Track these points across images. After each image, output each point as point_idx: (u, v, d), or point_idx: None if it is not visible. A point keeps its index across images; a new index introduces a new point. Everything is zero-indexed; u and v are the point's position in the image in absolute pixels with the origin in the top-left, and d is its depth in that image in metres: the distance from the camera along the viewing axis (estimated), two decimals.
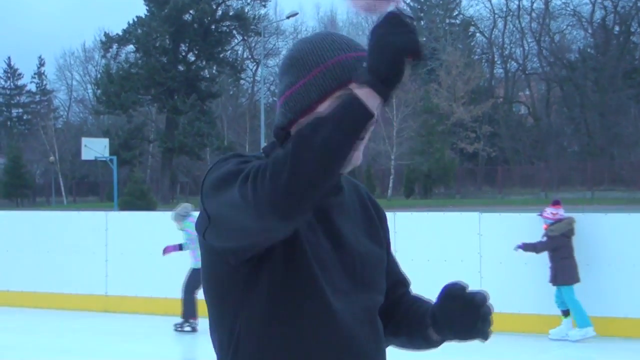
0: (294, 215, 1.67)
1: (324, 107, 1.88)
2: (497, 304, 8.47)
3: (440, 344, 2.10)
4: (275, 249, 1.84)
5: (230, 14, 63.47)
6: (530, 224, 10.00)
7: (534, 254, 9.43)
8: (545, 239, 9.40)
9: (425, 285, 9.69)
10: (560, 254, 9.27)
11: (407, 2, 70.82)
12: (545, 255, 9.45)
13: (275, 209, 1.64)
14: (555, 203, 9.87)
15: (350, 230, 1.98)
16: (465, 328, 2.02)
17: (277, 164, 1.64)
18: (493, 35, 67.99)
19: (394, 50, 1.71)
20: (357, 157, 1.92)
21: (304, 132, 1.66)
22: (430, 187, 54.80)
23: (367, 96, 1.67)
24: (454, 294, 2.07)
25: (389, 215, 10.27)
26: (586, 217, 10.04)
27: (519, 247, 9.34)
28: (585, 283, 9.27)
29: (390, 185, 53.70)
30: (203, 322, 9.10)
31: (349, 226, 1.99)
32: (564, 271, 9.28)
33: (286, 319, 1.86)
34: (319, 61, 1.91)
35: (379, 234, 2.11)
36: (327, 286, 1.87)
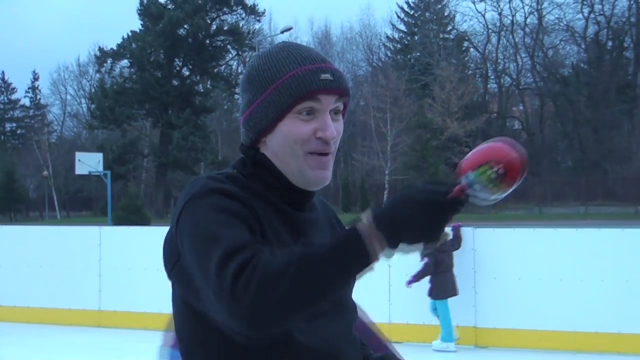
0: (264, 332, 1.58)
1: (283, 126, 1.82)
2: (492, 319, 8.54)
3: None
4: None
5: (225, 28, 63.61)
6: (524, 239, 10.00)
7: (528, 269, 9.43)
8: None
9: (420, 300, 9.71)
10: (438, 268, 9.45)
11: (402, 17, 71.13)
12: (539, 271, 9.44)
13: (249, 321, 1.56)
14: None
15: None
16: None
17: (268, 280, 1.54)
18: (487, 50, 68.22)
19: (423, 230, 1.62)
20: (326, 177, 1.88)
21: (302, 262, 1.56)
22: None
23: (375, 239, 1.60)
24: None
25: None
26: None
27: (410, 282, 9.48)
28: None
29: (385, 199, 53.66)
30: None
31: (319, 242, 1.90)
32: (439, 285, 9.44)
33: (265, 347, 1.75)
34: (273, 77, 1.83)
35: None
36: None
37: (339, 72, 1.88)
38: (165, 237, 1.85)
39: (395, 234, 1.60)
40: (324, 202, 2.10)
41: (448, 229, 1.70)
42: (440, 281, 9.47)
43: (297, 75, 1.82)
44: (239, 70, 72.28)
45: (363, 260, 1.59)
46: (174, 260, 1.80)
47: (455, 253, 9.71)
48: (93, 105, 62.68)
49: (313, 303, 1.59)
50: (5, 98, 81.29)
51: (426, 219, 1.61)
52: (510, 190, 1.72)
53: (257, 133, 1.86)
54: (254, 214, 1.75)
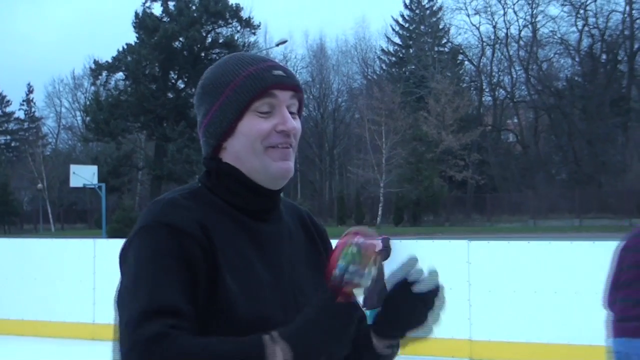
0: None
1: (243, 125, 1.85)
2: (487, 332, 8.53)
3: (388, 356, 1.96)
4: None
5: (220, 41, 63.69)
6: (518, 252, 10.01)
7: (522, 282, 9.43)
8: None
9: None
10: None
11: (397, 30, 71.32)
12: (534, 283, 9.45)
13: None
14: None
15: (286, 259, 1.91)
16: (413, 323, 1.94)
17: None
18: (481, 63, 68.43)
19: (326, 349, 1.66)
20: (289, 168, 1.90)
21: (209, 354, 1.59)
22: (420, 214, 54.84)
23: (278, 354, 1.62)
24: (404, 290, 1.97)
25: (377, 242, 10.27)
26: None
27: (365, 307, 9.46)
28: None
29: (380, 212, 53.69)
30: None
31: (285, 255, 1.91)
32: (368, 296, 9.47)
33: None
34: (229, 80, 1.87)
35: (319, 260, 1.99)
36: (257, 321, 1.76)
37: (290, 70, 1.93)
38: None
39: (297, 353, 1.62)
40: (295, 208, 2.09)
41: (378, 241, 1.73)
42: (369, 292, 9.40)
43: (252, 74, 1.86)
44: None
45: None
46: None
47: (451, 268, 9.70)
48: (88, 118, 62.67)
49: None
50: (0, 111, 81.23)
51: (328, 337, 1.65)
52: (376, 260, 1.71)
53: (217, 138, 1.88)
54: (206, 246, 1.75)
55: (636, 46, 62.09)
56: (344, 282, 1.66)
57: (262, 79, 1.85)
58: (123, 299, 1.70)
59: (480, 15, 69.65)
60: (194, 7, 62.25)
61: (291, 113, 1.90)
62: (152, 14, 62.32)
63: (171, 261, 1.69)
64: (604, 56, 64.36)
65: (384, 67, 73.33)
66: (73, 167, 47.13)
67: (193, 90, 65.27)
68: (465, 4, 70.71)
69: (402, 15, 71.10)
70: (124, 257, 1.77)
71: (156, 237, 1.72)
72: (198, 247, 1.73)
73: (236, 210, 1.87)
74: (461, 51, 68.50)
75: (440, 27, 69.65)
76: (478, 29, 68.89)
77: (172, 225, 1.73)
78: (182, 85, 64.39)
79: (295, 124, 1.89)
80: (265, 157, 1.85)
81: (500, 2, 66.27)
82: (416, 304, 1.93)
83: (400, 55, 71.29)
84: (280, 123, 1.85)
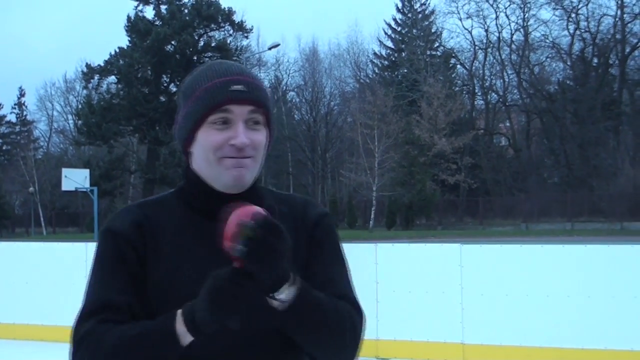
0: None
1: (200, 135, 1.96)
2: (479, 335, 8.52)
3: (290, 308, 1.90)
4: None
5: (213, 45, 63.66)
6: (510, 255, 10.01)
7: (514, 285, 9.43)
8: None
9: (407, 316, 9.70)
10: None
11: (389, 34, 71.42)
12: (526, 287, 9.45)
13: None
14: None
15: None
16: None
17: (95, 356, 1.86)
18: (473, 67, 68.59)
19: (219, 317, 1.77)
20: (242, 176, 1.97)
21: (124, 345, 1.84)
22: (412, 218, 54.88)
23: (183, 331, 1.81)
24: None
25: (370, 246, 10.25)
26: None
27: None
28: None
29: (372, 216, 53.73)
30: None
31: None
32: None
33: None
34: (192, 91, 1.99)
35: (297, 260, 2.01)
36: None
37: (256, 84, 2.00)
38: None
39: (193, 321, 1.79)
40: (296, 207, 2.14)
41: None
42: None
43: (208, 88, 1.96)
44: None
45: (169, 345, 1.82)
46: None
47: (443, 271, 9.70)
48: (80, 121, 62.54)
49: None
50: None
51: (214, 303, 1.76)
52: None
53: (181, 143, 2.04)
54: (138, 245, 1.98)
55: (627, 50, 62.30)
56: (237, 256, 1.75)
57: (217, 95, 1.95)
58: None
59: (472, 19, 70.13)
60: (186, 11, 62.23)
61: (255, 123, 1.97)
62: (144, 17, 62.28)
63: (108, 261, 1.98)
64: (595, 60, 64.55)
65: (377, 71, 73.42)
66: (65, 171, 47.07)
67: None
68: (457, 7, 71.13)
69: (395, 19, 71.25)
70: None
71: (100, 242, 2.03)
72: (130, 247, 1.97)
73: (194, 211, 2.03)
74: (453, 55, 68.61)
75: (433, 30, 69.77)
76: (470, 32, 69.17)
77: (114, 231, 2.01)
78: (175, 89, 64.22)
79: (254, 135, 1.96)
80: (219, 166, 1.96)
81: (492, 6, 66.52)
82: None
83: (393, 58, 71.39)
84: (232, 137, 1.94)
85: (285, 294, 1.85)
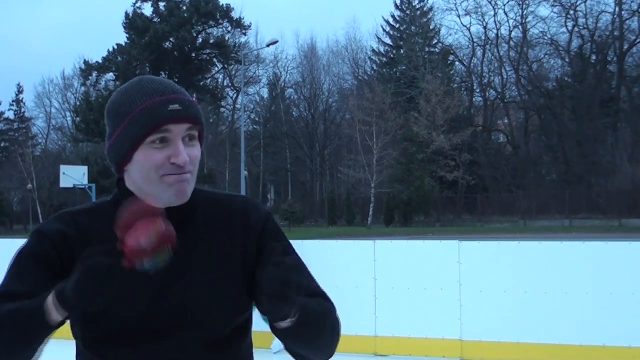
0: None
1: (138, 155, 1.95)
2: (477, 332, 8.51)
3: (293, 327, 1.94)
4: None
5: (211, 41, 63.69)
6: (509, 252, 10.02)
7: (513, 282, 9.44)
8: None
9: (405, 313, 9.68)
10: None
11: (387, 30, 71.39)
12: (524, 284, 9.46)
13: None
14: None
15: (171, 266, 1.94)
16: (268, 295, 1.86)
17: None
18: (472, 64, 68.59)
19: (82, 299, 1.82)
20: (185, 191, 1.98)
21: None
22: (410, 215, 54.90)
23: (52, 306, 1.85)
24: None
25: (369, 243, 10.25)
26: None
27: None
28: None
29: (370, 213, 53.74)
30: None
31: (173, 262, 1.94)
32: None
33: None
34: (127, 111, 1.96)
35: (232, 266, 2.06)
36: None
37: (190, 101, 2.01)
38: None
39: (61, 298, 1.83)
40: (233, 207, 2.14)
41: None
42: None
43: (146, 109, 1.94)
44: (225, 83, 72.31)
45: (38, 321, 1.86)
46: None
47: (441, 268, 9.71)
48: (78, 118, 62.57)
49: (4, 353, 1.88)
50: None
51: (82, 286, 1.80)
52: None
53: (116, 164, 2.02)
54: (61, 249, 2.00)
55: (625, 47, 62.31)
56: (140, 262, 1.81)
57: (155, 115, 1.93)
58: None
59: (470, 16, 69.95)
60: (184, 8, 62.24)
61: (190, 139, 1.99)
62: (142, 14, 62.29)
63: (27, 258, 2.03)
64: (593, 57, 64.57)
65: (375, 68, 73.40)
66: (63, 168, 47.10)
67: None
68: (455, 4, 71.03)
69: (393, 16, 71.22)
70: None
71: (28, 240, 2.10)
72: (53, 249, 2.00)
73: None
74: (452, 52, 68.62)
75: (431, 27, 69.76)
76: (468, 29, 69.35)
77: (40, 231, 2.07)
78: None
79: (192, 152, 1.98)
80: (161, 184, 1.96)
81: (490, 2, 66.53)
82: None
83: (391, 55, 71.38)
84: (174, 155, 1.94)
85: (290, 319, 1.90)
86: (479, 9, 67.93)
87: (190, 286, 1.99)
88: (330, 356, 2.09)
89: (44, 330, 1.88)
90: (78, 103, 67.28)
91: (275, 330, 1.96)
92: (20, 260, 2.04)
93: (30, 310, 1.85)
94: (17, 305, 1.87)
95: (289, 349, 2.05)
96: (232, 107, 73.76)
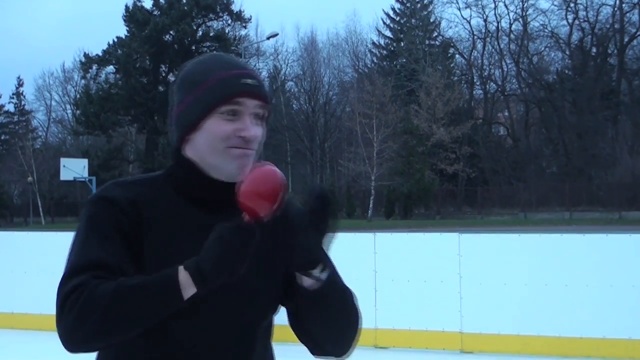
0: (77, 352, 1.87)
1: (208, 124, 1.96)
2: (478, 325, 8.53)
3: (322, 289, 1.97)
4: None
5: (211, 34, 63.58)
6: (509, 245, 10.03)
7: (513, 274, 9.45)
8: None
9: (405, 305, 9.71)
10: None
11: (388, 23, 71.30)
12: (524, 276, 9.47)
13: (65, 340, 1.84)
14: None
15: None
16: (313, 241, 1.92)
17: (85, 310, 1.78)
18: (472, 57, 68.49)
19: (225, 268, 1.79)
20: (245, 167, 1.97)
21: (116, 295, 1.78)
22: (411, 207, 54.91)
23: (187, 283, 1.80)
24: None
25: (369, 236, 10.26)
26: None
27: None
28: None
29: (371, 206, 53.75)
30: None
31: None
32: None
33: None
34: (202, 79, 1.98)
35: (273, 264, 2.05)
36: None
37: (261, 80, 2.04)
38: None
39: (199, 272, 1.78)
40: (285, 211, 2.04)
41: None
42: None
43: (223, 79, 1.97)
44: None
45: (171, 297, 1.80)
46: None
47: (442, 260, 9.71)
48: (78, 111, 62.52)
49: (124, 330, 1.80)
50: None
51: (223, 254, 1.78)
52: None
53: (183, 130, 2.01)
54: (133, 217, 1.95)
55: (626, 39, 62.23)
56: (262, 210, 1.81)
57: (231, 86, 1.96)
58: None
59: (471, 9, 69.90)
60: (184, 1, 62.14)
61: (258, 119, 2.01)
62: (142, 7, 62.19)
63: (102, 226, 1.92)
64: (594, 49, 64.50)
65: (375, 61, 73.31)
66: (63, 161, 47.12)
67: None
68: None
69: (393, 9, 71.10)
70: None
71: (93, 209, 1.96)
72: (125, 216, 1.94)
73: (186, 200, 2.01)
74: (452, 44, 68.53)
75: (431, 20, 69.65)
76: (469, 22, 69.15)
77: (107, 198, 1.96)
78: (173, 79, 63.88)
79: (257, 131, 1.99)
80: (226, 155, 1.96)
81: None
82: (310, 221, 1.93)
83: (391, 48, 71.29)
84: (242, 129, 1.96)
85: (322, 273, 1.94)
86: (479, 2, 67.79)
87: (258, 269, 2.00)
88: (348, 352, 2.09)
89: (174, 308, 1.82)
90: (78, 96, 67.24)
91: (299, 308, 2.00)
92: (96, 229, 1.93)
93: (164, 286, 1.79)
94: (140, 280, 1.81)
95: (310, 335, 2.06)
96: None
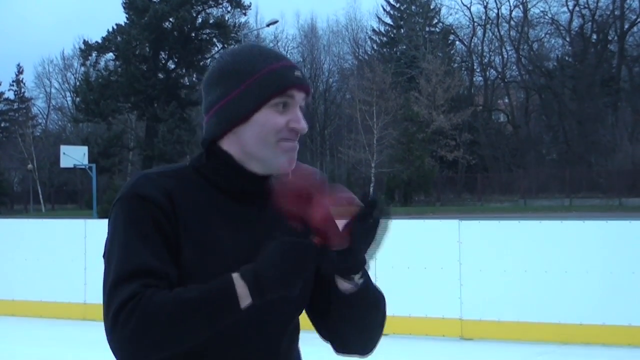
0: None
1: (259, 116, 1.92)
2: (478, 311, 8.54)
3: (354, 289, 1.96)
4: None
5: (211, 21, 63.42)
6: (509, 231, 10.03)
7: (513, 261, 9.46)
8: None
9: (406, 292, 9.73)
10: None
11: (388, 10, 71.14)
12: (524, 263, 9.48)
13: (121, 352, 1.77)
14: None
15: (257, 242, 1.90)
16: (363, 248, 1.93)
17: (144, 321, 1.72)
18: (472, 44, 68.35)
19: (286, 283, 1.77)
20: (294, 161, 1.97)
21: (176, 306, 1.73)
22: (411, 194, 54.93)
23: (244, 294, 1.76)
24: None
25: None
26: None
27: None
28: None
29: (371, 193, 53.66)
30: None
31: (258, 239, 1.91)
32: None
33: None
34: (251, 71, 1.93)
35: None
36: None
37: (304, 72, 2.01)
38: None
39: (258, 284, 1.75)
40: None
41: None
42: None
43: (275, 71, 1.93)
44: None
45: (229, 309, 1.76)
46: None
47: (441, 247, 9.72)
48: (78, 99, 62.46)
49: (183, 342, 1.76)
50: None
51: (286, 269, 1.76)
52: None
53: (231, 123, 1.94)
54: (170, 213, 1.87)
55: (626, 26, 62.10)
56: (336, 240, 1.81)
57: (285, 78, 1.93)
58: (104, 267, 1.86)
59: None
60: None
61: (301, 111, 1.99)
62: None
63: (142, 227, 1.84)
64: (594, 36, 64.36)
65: (375, 48, 73.16)
66: (63, 148, 47.03)
67: (184, 70, 65.20)
68: None
69: None
70: (108, 225, 1.92)
71: (129, 207, 1.87)
72: (163, 215, 1.86)
73: (218, 191, 1.95)
74: (452, 31, 68.37)
75: (431, 7, 69.45)
76: (469, 9, 68.77)
77: (141, 195, 1.87)
78: (173, 66, 64.14)
79: (306, 123, 1.97)
80: (276, 148, 1.92)
81: None
82: (365, 228, 1.93)
83: (392, 35, 71.13)
84: (294, 121, 1.93)
85: (359, 278, 1.94)
86: None
87: None
88: (371, 352, 2.09)
89: (232, 319, 1.78)
90: (78, 83, 67.14)
91: (332, 310, 2.00)
92: (137, 230, 1.84)
93: (221, 301, 1.75)
94: (197, 292, 1.74)
95: (337, 334, 2.06)
96: None
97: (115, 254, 1.83)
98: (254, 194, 1.97)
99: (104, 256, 1.88)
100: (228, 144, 1.96)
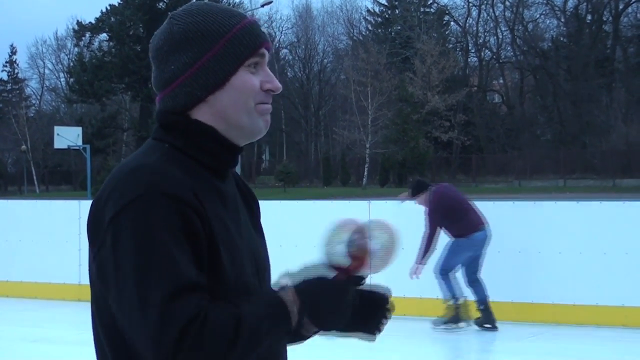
0: None
1: (236, 79, 1.75)
2: (469, 293, 8.46)
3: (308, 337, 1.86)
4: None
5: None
6: (503, 213, 10.05)
7: (507, 242, 9.48)
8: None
9: (400, 273, 9.74)
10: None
11: None
12: (519, 244, 9.51)
13: None
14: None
15: (244, 222, 1.86)
16: (365, 324, 1.97)
17: (213, 344, 1.57)
18: (467, 24, 68.19)
19: (338, 325, 1.78)
20: (268, 122, 1.84)
21: (240, 329, 1.60)
22: (405, 175, 54.91)
23: (295, 321, 1.69)
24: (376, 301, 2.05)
25: (364, 203, 10.26)
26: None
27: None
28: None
29: (365, 173, 53.77)
30: None
31: (242, 218, 1.85)
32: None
33: None
34: (222, 30, 1.76)
35: (256, 219, 1.96)
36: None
37: None
38: (91, 208, 1.78)
39: (316, 319, 1.72)
40: (235, 174, 1.96)
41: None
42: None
43: (245, 28, 1.79)
44: None
45: (286, 334, 1.71)
46: (98, 244, 1.77)
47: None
48: (72, 79, 62.26)
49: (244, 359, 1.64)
50: None
51: (340, 306, 1.75)
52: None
53: (206, 90, 1.76)
54: (203, 214, 1.68)
55: (621, 7, 62.00)
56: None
57: (257, 35, 1.79)
58: (128, 277, 1.62)
59: None
60: None
61: None
62: None
63: (178, 234, 1.62)
64: (589, 17, 64.25)
65: (370, 28, 72.97)
66: (57, 129, 46.89)
67: None
68: None
69: None
70: (117, 228, 1.65)
71: (157, 209, 1.62)
72: (197, 217, 1.66)
73: (208, 171, 1.79)
74: (447, 12, 68.20)
75: None
76: None
77: (171, 194, 1.64)
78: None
79: None
80: (254, 113, 1.78)
81: None
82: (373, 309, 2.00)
83: (386, 16, 70.92)
84: (268, 82, 1.80)
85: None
86: None
87: (254, 240, 1.90)
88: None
89: (283, 338, 1.76)
90: (71, 64, 66.91)
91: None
92: (173, 236, 1.61)
93: (276, 321, 1.66)
94: (255, 311, 1.64)
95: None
96: None
97: (150, 265, 1.59)
98: (227, 169, 1.85)
99: (117, 262, 1.67)
100: (201, 115, 1.78)
